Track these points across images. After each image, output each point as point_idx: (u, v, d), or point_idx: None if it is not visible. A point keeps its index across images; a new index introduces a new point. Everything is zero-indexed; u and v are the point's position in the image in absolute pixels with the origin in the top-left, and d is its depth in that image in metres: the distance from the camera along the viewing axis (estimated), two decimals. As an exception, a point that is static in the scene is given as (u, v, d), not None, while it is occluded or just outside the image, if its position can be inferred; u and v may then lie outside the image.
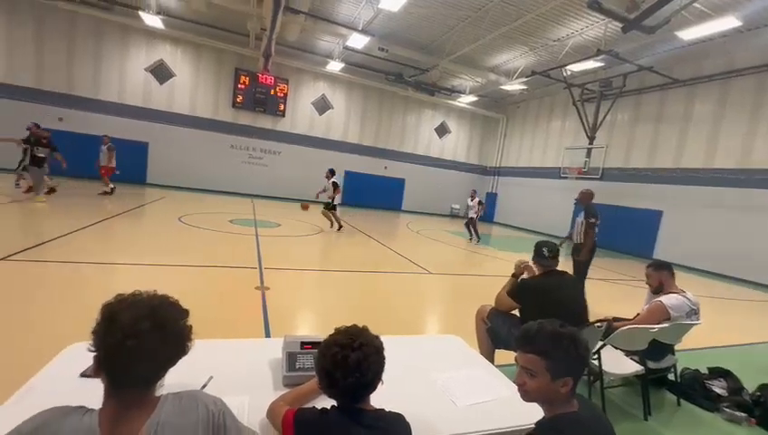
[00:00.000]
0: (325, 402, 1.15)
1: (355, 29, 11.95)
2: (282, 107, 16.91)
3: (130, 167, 15.01)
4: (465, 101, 18.24)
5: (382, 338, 1.17)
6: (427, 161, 20.30)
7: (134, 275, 4.47)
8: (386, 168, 19.45)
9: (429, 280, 6.27)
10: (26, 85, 13.66)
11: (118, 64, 14.69)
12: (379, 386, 1.11)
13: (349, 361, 1.05)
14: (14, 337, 2.78)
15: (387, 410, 1.13)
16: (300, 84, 17.27)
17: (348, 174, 18.76)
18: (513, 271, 2.82)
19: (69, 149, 14.12)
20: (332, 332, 1.16)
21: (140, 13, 12.38)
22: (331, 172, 9.93)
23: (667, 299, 2.73)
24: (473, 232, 11.15)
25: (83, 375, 1.30)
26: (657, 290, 2.92)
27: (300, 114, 17.52)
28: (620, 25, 8.62)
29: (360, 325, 1.18)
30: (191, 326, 0.95)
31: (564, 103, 16.10)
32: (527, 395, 1.17)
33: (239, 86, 16.11)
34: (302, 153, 17.61)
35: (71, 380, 1.29)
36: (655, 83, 12.56)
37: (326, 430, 1.07)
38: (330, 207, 9.62)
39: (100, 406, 0.85)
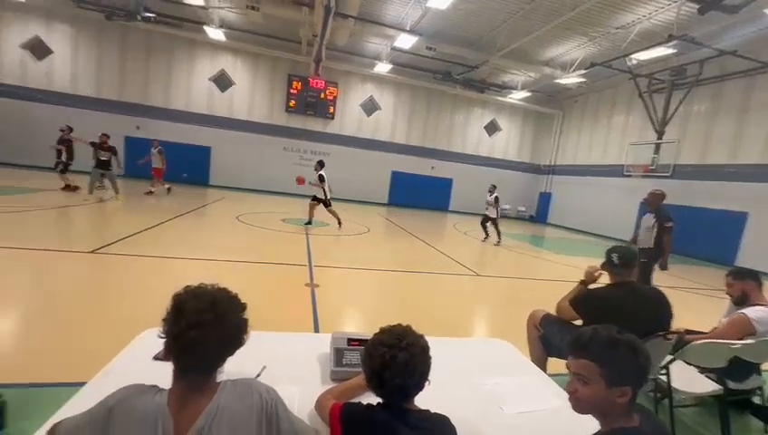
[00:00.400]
0: (371, 398, 1.17)
1: (403, 29, 11.98)
2: (331, 109, 17.42)
3: (195, 170, 16.38)
4: (517, 97, 17.53)
5: (427, 339, 1.16)
6: (475, 161, 19.80)
7: (198, 269, 4.86)
8: (433, 168, 19.26)
9: (476, 282, 6.12)
10: (111, 98, 15.41)
11: (186, 76, 16.04)
12: (426, 387, 1.11)
13: (396, 360, 1.06)
14: (99, 321, 3.15)
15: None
16: (348, 87, 17.67)
17: (394, 174, 18.87)
18: (582, 277, 2.51)
19: (144, 153, 15.73)
20: (378, 331, 1.18)
21: (205, 27, 13.42)
22: (320, 164, 9.43)
23: (753, 311, 2.41)
24: (494, 231, 9.86)
25: (156, 358, 1.43)
26: (740, 301, 2.59)
27: (348, 116, 17.93)
28: (696, 6, 7.78)
29: (405, 325, 1.18)
30: (247, 320, 1.01)
31: (628, 96, 14.85)
32: (579, 404, 1.10)
33: (291, 91, 16.85)
34: (350, 154, 18.00)
35: (145, 362, 1.43)
36: (739, 69, 11.16)
37: (371, 427, 1.08)
38: (316, 199, 9.07)
39: (170, 386, 0.94)
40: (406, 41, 12.58)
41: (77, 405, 1.09)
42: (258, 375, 1.37)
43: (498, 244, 9.80)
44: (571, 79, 14.22)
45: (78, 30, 14.84)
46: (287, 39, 15.06)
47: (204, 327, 0.90)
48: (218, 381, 0.98)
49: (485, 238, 10.18)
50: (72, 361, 2.44)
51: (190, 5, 12.29)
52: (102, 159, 9.44)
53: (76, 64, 15.08)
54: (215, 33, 13.76)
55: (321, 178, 8.96)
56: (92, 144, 9.57)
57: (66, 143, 10.11)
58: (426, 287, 5.54)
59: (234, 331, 0.97)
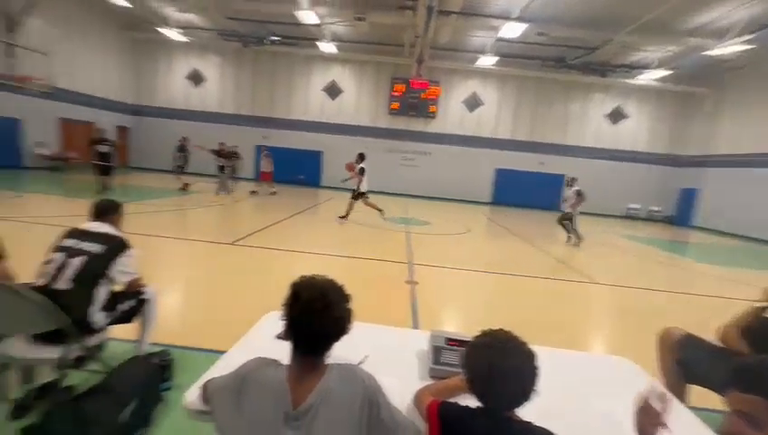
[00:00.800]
0: (469, 400, 1.15)
1: (509, 18, 11.30)
2: (432, 109, 17.45)
3: (309, 172, 18.19)
4: (651, 77, 14.96)
5: (534, 348, 1.08)
6: (595, 154, 17.60)
7: (310, 261, 5.40)
8: (542, 163, 17.74)
9: (593, 291, 5.43)
10: (245, 114, 18.13)
11: (303, 88, 17.93)
12: (532, 398, 1.04)
13: (504, 366, 1.01)
14: (236, 300, 3.75)
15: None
16: (451, 84, 17.46)
17: (498, 172, 17.97)
18: (758, 298, 1.99)
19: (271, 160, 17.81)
20: (478, 333, 1.14)
21: (318, 43, 14.78)
22: (361, 157, 9.06)
23: None
24: (570, 230, 8.62)
25: (277, 337, 1.64)
26: None
27: (450, 114, 17.72)
28: None
29: (506, 330, 1.12)
30: (352, 309, 1.09)
31: (821, 60, 11.35)
32: None
33: (394, 94, 17.41)
34: (452, 152, 17.79)
35: (269, 339, 1.65)
36: None
37: (469, 431, 1.06)
38: (357, 195, 8.83)
39: (288, 363, 1.07)
40: (513, 29, 11.80)
41: (219, 368, 1.33)
42: (360, 363, 1.46)
43: (577, 244, 8.43)
44: (731, 48, 11.45)
45: (223, 59, 17.86)
46: (390, 44, 15.59)
47: (315, 314, 1.01)
48: (327, 363, 1.08)
49: (569, 239, 8.76)
50: (216, 332, 2.96)
51: (306, 25, 13.68)
52: (220, 164, 11.20)
53: (222, 87, 18.19)
54: (327, 47, 15.07)
55: (361, 171, 8.80)
56: (213, 151, 11.40)
57: (183, 151, 12.11)
58: (530, 292, 5.15)
59: (340, 319, 1.06)
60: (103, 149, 9.27)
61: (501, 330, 1.13)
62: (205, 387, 1.15)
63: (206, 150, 11.58)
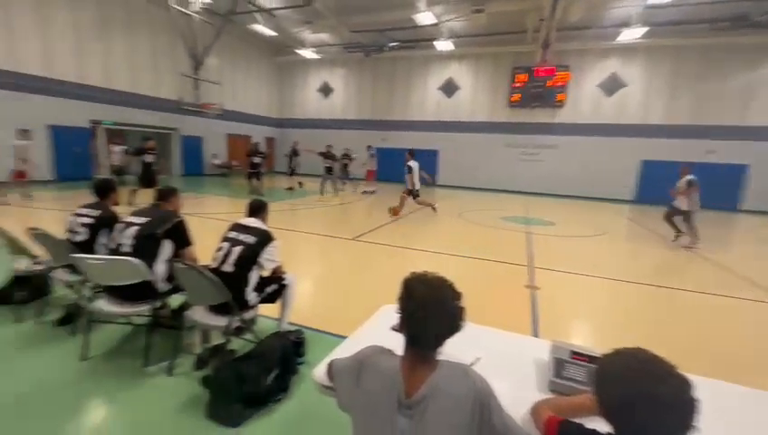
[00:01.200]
0: (594, 422, 1.02)
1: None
2: (560, 97, 15.77)
3: (426, 171, 18.40)
4: None
5: (688, 377, 0.89)
6: (796, 135, 13.34)
7: (423, 259, 5.49)
8: (712, 152, 14.25)
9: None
10: (365, 118, 19.43)
11: (420, 89, 18.29)
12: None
13: (658, 395, 0.85)
14: (356, 291, 4.08)
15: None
16: (582, 67, 15.49)
17: (645, 164, 15.20)
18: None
19: (388, 160, 18.82)
20: (612, 350, 1.00)
21: (435, 42, 14.85)
22: (411, 154, 8.89)
23: None
24: (688, 228, 7.05)
25: (392, 329, 1.74)
26: None
27: (583, 101, 15.73)
28: None
29: (648, 350, 0.95)
30: (464, 308, 1.08)
31: None
32: None
33: (515, 85, 16.32)
34: (584, 144, 15.78)
35: (384, 330, 1.76)
36: None
37: (595, 459, 0.94)
38: (410, 192, 8.64)
39: (401, 353, 1.13)
40: (667, -8, 9.79)
41: (342, 351, 1.48)
42: (472, 364, 1.44)
43: (692, 247, 6.92)
44: None
45: (347, 70, 19.52)
46: (510, 32, 14.67)
47: (428, 309, 1.03)
48: (438, 359, 1.10)
49: (676, 237, 7.33)
50: (339, 318, 3.28)
51: (423, 26, 13.89)
52: (326, 165, 12.10)
53: (346, 95, 19.90)
54: (443, 45, 15.03)
55: (408, 170, 8.63)
56: (319, 153, 12.35)
57: (295, 154, 13.35)
58: (686, 309, 4.21)
59: (452, 316, 1.06)
60: (256, 160, 11.29)
61: (640, 349, 0.97)
62: (329, 366, 1.30)
63: (313, 153, 12.67)
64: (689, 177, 6.95)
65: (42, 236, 2.76)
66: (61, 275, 2.87)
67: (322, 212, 9.34)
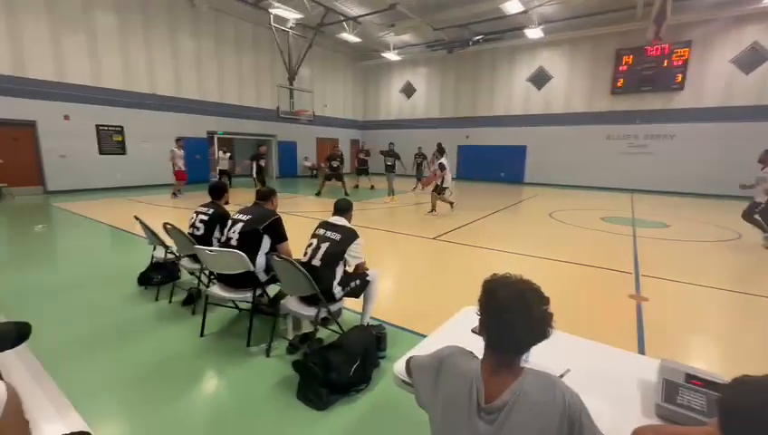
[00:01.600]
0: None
1: None
2: (678, 78, 13.56)
3: (511, 169, 17.48)
4: None
5: None
6: None
7: (507, 261, 5.20)
8: None
9: None
10: (449, 116, 19.11)
11: (506, 83, 17.36)
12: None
13: None
14: (436, 291, 4.05)
15: None
16: (709, 41, 13.08)
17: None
18: None
19: (472, 158, 18.30)
20: (740, 376, 0.84)
21: (525, 30, 13.94)
22: (440, 151, 8.65)
23: None
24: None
25: (473, 331, 1.70)
26: None
27: (709, 80, 13.29)
28: None
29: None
30: (552, 314, 1.01)
31: None
32: None
33: (620, 69, 14.50)
34: (710, 132, 13.32)
35: (464, 332, 1.72)
36: None
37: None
38: (439, 189, 8.39)
39: (482, 357, 1.10)
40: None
41: (421, 349, 1.49)
42: (561, 376, 1.33)
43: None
44: None
45: (430, 68, 19.42)
46: (614, 9, 13.05)
47: (513, 313, 0.99)
48: (522, 366, 1.04)
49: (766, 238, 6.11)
50: (419, 316, 3.30)
51: (511, 16, 13.13)
52: (388, 163, 12.08)
53: (428, 94, 19.83)
54: (533, 33, 14.04)
55: (441, 167, 8.39)
56: (381, 152, 12.38)
57: (364, 154, 13.74)
58: None
59: (539, 321, 1.00)
60: (335, 163, 12.09)
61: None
62: (408, 362, 1.32)
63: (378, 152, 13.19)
64: None
65: (173, 230, 3.31)
66: (186, 264, 3.40)
67: (401, 211, 9.47)
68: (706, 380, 1.18)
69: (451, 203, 8.78)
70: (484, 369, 1.05)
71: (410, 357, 1.32)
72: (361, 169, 13.67)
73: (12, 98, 9.99)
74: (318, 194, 11.78)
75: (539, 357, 1.36)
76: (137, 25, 12.15)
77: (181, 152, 10.68)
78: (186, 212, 7.92)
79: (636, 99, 14.52)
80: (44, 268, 4.68)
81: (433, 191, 8.51)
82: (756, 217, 6.26)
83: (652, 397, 1.25)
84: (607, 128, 15.18)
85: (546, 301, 1.02)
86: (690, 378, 1.21)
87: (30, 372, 2.10)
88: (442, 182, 8.37)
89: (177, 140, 10.99)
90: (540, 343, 1.00)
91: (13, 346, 1.67)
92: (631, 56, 14.18)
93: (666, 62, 13.65)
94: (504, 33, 15.31)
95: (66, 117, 11.03)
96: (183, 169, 10.77)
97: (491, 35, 15.50)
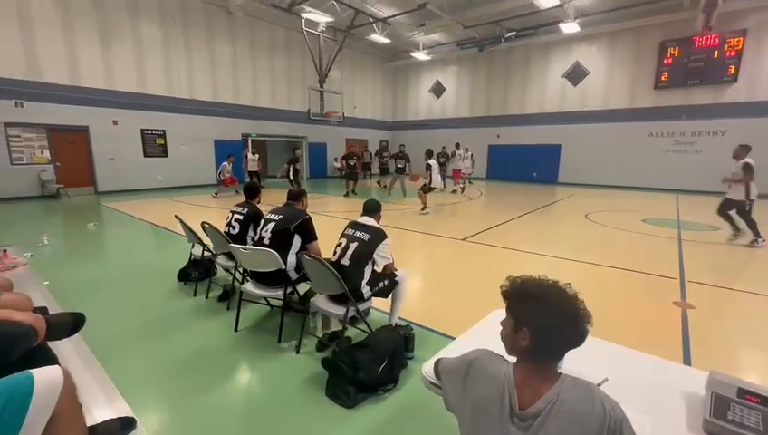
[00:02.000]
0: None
1: None
2: (731, 70, 12.62)
3: (544, 168, 16.91)
4: None
5: None
6: None
7: (543, 263, 5.02)
8: None
9: None
10: (479, 115, 18.77)
11: (539, 80, 16.82)
12: None
13: None
14: (465, 293, 3.99)
15: None
16: (765, 30, 12.09)
17: None
18: None
19: (502, 157, 17.92)
20: None
21: (560, 25, 13.45)
22: (428, 154, 9.60)
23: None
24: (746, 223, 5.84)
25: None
26: None
27: (765, 73, 12.29)
28: None
29: None
30: (589, 313, 0.97)
31: None
32: None
33: (664, 62, 13.68)
34: (766, 127, 12.28)
35: (495, 335, 1.68)
36: None
37: None
38: (427, 188, 8.86)
39: (514, 362, 1.07)
40: None
41: (450, 352, 1.47)
42: (599, 385, 1.27)
43: (754, 243, 5.82)
44: None
45: (460, 67, 19.15)
46: (657, 0, 12.33)
47: (548, 318, 0.95)
48: (559, 372, 1.01)
49: (735, 236, 6.14)
50: (448, 318, 3.26)
51: (544, 10, 12.71)
52: (399, 166, 12.03)
53: (458, 94, 19.56)
54: (569, 27, 13.51)
55: (426, 168, 8.96)
56: (393, 155, 12.45)
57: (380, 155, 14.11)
58: None
59: (573, 326, 0.96)
60: (351, 162, 12.54)
61: None
62: (437, 364, 1.30)
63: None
64: (746, 160, 5.80)
65: (209, 229, 3.46)
66: (221, 261, 3.54)
67: (433, 211, 9.39)
68: (763, 395, 1.09)
69: (425, 205, 8.88)
70: (517, 374, 1.02)
71: (439, 359, 1.31)
72: (352, 174, 12.88)
73: (69, 106, 10.82)
74: (346, 195, 11.93)
75: (575, 365, 1.31)
76: (178, 34, 12.81)
77: (230, 166, 11.69)
78: (222, 212, 8.24)
79: (682, 93, 13.64)
80: (95, 263, 5.03)
81: (420, 190, 8.94)
82: (730, 213, 6.17)
83: (699, 411, 1.17)
84: (649, 125, 14.36)
85: (580, 305, 0.98)
86: (744, 393, 1.12)
87: (82, 360, 2.26)
88: (429, 182, 8.90)
89: (228, 156, 11.92)
90: (576, 350, 0.97)
91: (69, 335, 1.80)
92: (677, 48, 13.34)
93: (716, 53, 12.74)
94: (537, 28, 14.84)
95: (115, 122, 11.81)
96: (230, 175, 11.72)
97: (523, 31, 15.06)
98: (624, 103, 14.84)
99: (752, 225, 5.92)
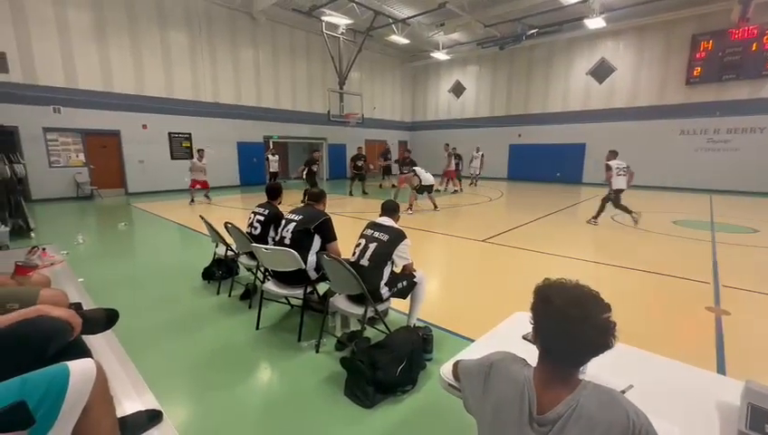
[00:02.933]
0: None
1: None
2: (770, 64, 11.93)
3: (568, 168, 16.47)
4: None
5: None
6: None
7: (565, 266, 4.89)
8: None
9: None
10: (500, 115, 18.49)
11: (562, 77, 16.41)
12: None
13: None
14: (485, 295, 3.93)
15: None
16: (811, 19, 11.37)
17: None
18: None
19: (523, 157, 17.53)
20: None
21: (585, 21, 13.08)
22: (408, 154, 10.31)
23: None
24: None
25: (524, 338, 1.62)
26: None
27: (808, 65, 11.56)
28: None
29: None
30: (615, 323, 0.94)
31: None
32: None
33: (696, 56, 13.09)
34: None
35: (515, 338, 1.65)
36: None
37: None
38: (420, 188, 9.09)
39: (535, 366, 1.05)
40: None
41: (469, 353, 1.46)
42: (623, 392, 1.23)
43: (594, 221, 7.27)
44: None
45: (481, 66, 18.92)
46: (691, -9, 11.82)
47: (570, 321, 0.93)
48: (580, 378, 0.98)
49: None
50: (467, 320, 3.22)
51: (568, 6, 12.39)
52: (404, 171, 12.16)
53: (478, 93, 19.33)
54: (594, 23, 13.09)
55: (411, 172, 9.34)
56: (396, 161, 12.58)
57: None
58: None
59: (599, 331, 0.93)
60: (359, 163, 12.76)
61: None
62: (456, 365, 1.29)
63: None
64: (618, 166, 7.62)
65: (232, 229, 3.55)
66: (244, 260, 3.63)
67: (452, 212, 9.31)
68: (805, 408, 1.03)
69: (411, 206, 9.03)
70: (537, 378, 1.00)
71: (458, 361, 1.30)
72: (360, 175, 13.07)
73: (102, 111, 11.34)
74: (350, 193, 12.34)
75: (600, 370, 1.27)
76: (203, 41, 13.21)
77: (202, 162, 10.45)
78: (245, 212, 8.43)
79: (716, 88, 13.00)
80: (126, 262, 5.25)
81: (414, 190, 9.20)
82: (621, 203, 7.42)
83: (733, 422, 1.11)
84: (680, 122, 13.76)
85: (607, 308, 0.95)
86: (783, 404, 1.06)
87: (114, 354, 2.36)
88: (420, 182, 9.11)
89: (198, 151, 10.85)
90: (601, 356, 0.94)
91: (103, 330, 1.88)
92: (711, 41, 12.74)
93: (754, 45, 12.08)
94: (561, 24, 14.48)
95: (144, 126, 12.29)
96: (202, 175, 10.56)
97: (546, 28, 14.72)
98: (653, 100, 14.29)
99: (602, 210, 7.55)
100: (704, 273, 4.50)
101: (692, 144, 13.65)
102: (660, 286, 4.18)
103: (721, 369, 2.56)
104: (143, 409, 1.91)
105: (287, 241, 2.89)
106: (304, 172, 11.14)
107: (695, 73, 13.20)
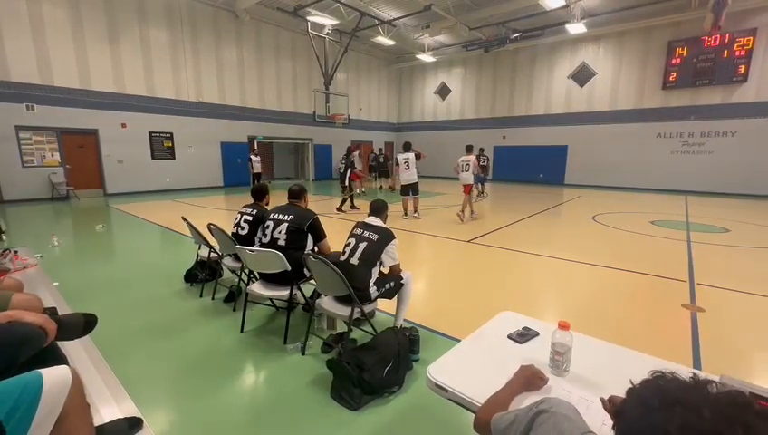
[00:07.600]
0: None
1: None
2: (741, 70, 12.47)
3: (550, 170, 16.82)
4: None
5: None
6: None
7: (549, 266, 4.97)
8: None
9: None
10: (485, 117, 18.75)
11: (545, 81, 16.76)
12: None
13: None
14: (470, 295, 3.97)
15: None
16: (778, 28, 11.92)
17: None
18: None
19: (507, 159, 17.79)
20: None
21: (566, 26, 13.39)
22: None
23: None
24: None
25: (509, 337, 1.64)
26: None
27: (776, 72, 12.12)
28: None
29: None
30: None
31: None
32: None
33: (672, 62, 13.56)
34: (779, 128, 12.12)
35: (501, 338, 1.67)
36: None
37: None
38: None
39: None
40: None
41: (456, 353, 1.46)
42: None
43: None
44: None
45: (465, 68, 19.14)
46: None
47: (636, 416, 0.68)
48: None
49: None
50: (452, 320, 3.25)
51: (551, 11, 12.65)
52: (383, 169, 12.50)
53: (463, 95, 19.54)
54: (575, 28, 13.44)
55: (395, 162, 8.94)
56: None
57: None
58: None
59: None
60: (381, 159, 13.27)
61: None
62: (479, 419, 1.06)
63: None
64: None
65: (216, 231, 3.48)
66: (228, 262, 3.56)
67: (440, 213, 9.38)
68: (775, 401, 1.06)
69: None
70: None
71: (492, 419, 0.99)
72: (382, 172, 15.00)
73: (79, 109, 10.98)
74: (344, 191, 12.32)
75: (580, 368, 1.29)
76: (186, 39, 12.96)
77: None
78: (229, 214, 8.29)
79: (691, 93, 13.50)
80: (104, 265, 5.09)
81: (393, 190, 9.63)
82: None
83: (710, 416, 1.14)
84: (657, 125, 14.23)
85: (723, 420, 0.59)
86: (756, 398, 1.09)
87: (91, 360, 2.28)
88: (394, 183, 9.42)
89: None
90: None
91: (80, 336, 1.81)
92: (686, 48, 13.22)
93: (726, 52, 12.60)
94: (543, 29, 14.78)
95: (123, 125, 11.96)
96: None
97: (530, 32, 15.01)
98: (631, 104, 14.73)
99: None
100: (680, 271, 4.65)
101: (668, 147, 14.12)
102: (639, 285, 4.30)
103: (697, 364, 2.65)
104: (122, 416, 1.86)
105: (281, 242, 2.86)
106: (345, 176, 9.61)
107: (671, 79, 13.68)
